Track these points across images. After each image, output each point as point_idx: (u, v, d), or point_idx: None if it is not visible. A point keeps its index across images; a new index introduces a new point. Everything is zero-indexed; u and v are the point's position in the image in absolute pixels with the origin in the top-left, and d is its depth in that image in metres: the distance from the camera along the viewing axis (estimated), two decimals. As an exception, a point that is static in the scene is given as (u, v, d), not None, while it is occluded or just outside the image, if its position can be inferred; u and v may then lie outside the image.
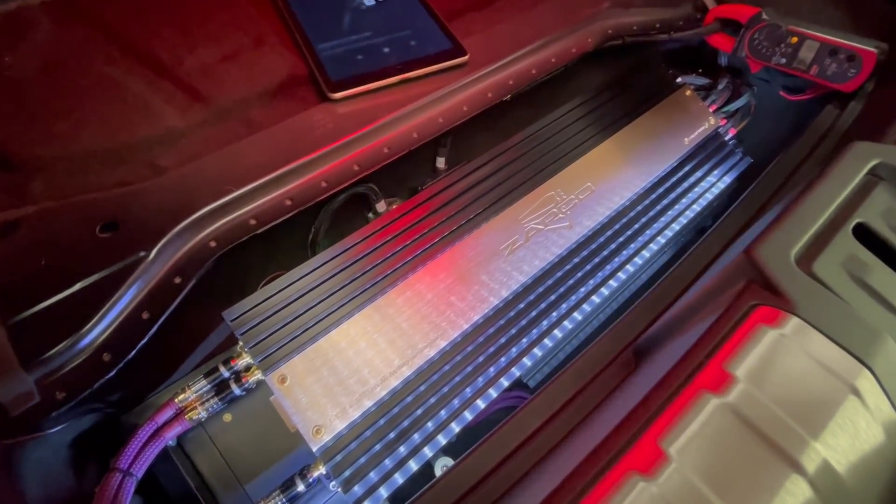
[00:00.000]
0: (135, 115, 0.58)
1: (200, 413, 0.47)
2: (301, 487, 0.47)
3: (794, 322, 0.29)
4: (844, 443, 0.26)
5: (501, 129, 0.79)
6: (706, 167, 0.72)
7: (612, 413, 0.35)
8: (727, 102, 0.81)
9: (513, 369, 0.54)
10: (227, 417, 0.54)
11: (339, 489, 0.46)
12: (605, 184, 0.66)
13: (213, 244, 0.52)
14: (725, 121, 0.78)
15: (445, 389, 0.51)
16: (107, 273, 0.47)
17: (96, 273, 0.47)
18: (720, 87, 0.81)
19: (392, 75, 0.63)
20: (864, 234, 0.36)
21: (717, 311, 0.31)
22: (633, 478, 0.24)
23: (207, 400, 0.48)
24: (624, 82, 0.76)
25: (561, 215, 0.62)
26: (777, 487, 0.24)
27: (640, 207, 0.66)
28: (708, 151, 0.73)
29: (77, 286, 0.46)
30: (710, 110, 0.77)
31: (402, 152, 0.62)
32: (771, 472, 0.25)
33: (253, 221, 0.54)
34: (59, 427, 0.45)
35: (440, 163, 0.74)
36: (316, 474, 0.47)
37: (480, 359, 0.53)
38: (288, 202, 0.56)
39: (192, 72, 0.62)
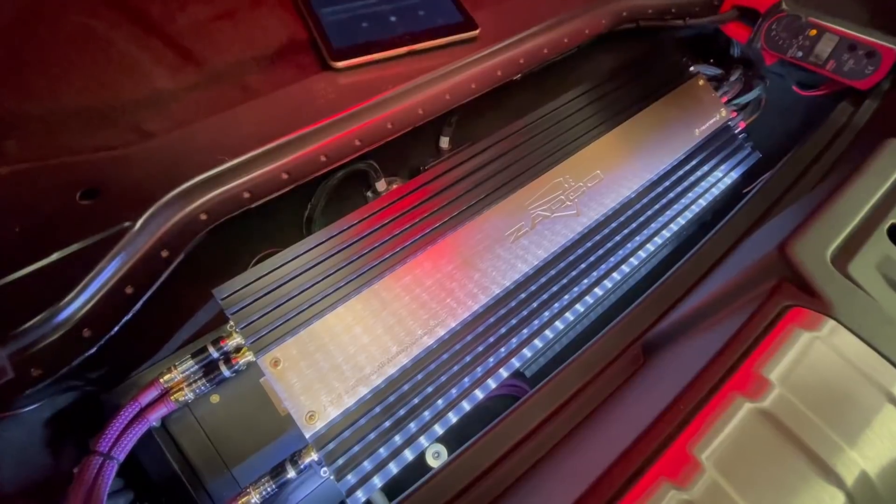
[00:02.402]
0: (120, 74, 0.53)
1: (187, 395, 0.45)
2: (292, 473, 0.45)
3: (829, 325, 0.28)
4: (881, 452, 0.25)
5: (509, 111, 0.76)
6: (715, 160, 0.71)
7: (623, 412, 0.33)
8: (738, 95, 0.79)
9: (513, 360, 0.52)
10: (215, 398, 0.52)
11: (332, 477, 0.44)
12: (614, 172, 0.64)
13: (203, 217, 0.49)
14: (736, 113, 0.77)
15: (443, 379, 0.50)
16: (88, 243, 0.44)
17: (76, 242, 0.43)
18: (732, 78, 0.79)
19: (399, 46, 0.60)
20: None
21: (746, 310, 0.29)
22: (663, 485, 0.23)
23: (195, 381, 0.45)
24: (637, 68, 0.73)
25: (568, 203, 0.60)
26: (813, 498, 0.23)
27: (648, 198, 0.64)
28: (718, 144, 0.72)
29: (55, 256, 0.42)
30: (722, 102, 0.75)
31: (406, 129, 0.59)
32: (807, 482, 0.24)
33: (247, 195, 0.51)
34: (35, 405, 0.43)
35: (444, 142, 0.71)
36: (307, 460, 0.46)
37: (480, 348, 0.52)
38: (284, 176, 0.53)
39: (183, 29, 0.58)
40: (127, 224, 0.45)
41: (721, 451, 0.24)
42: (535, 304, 0.55)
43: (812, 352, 0.27)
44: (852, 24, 0.66)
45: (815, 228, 0.31)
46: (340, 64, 0.57)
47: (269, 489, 0.44)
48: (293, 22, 0.62)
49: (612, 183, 0.63)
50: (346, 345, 0.48)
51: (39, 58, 0.52)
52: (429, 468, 0.55)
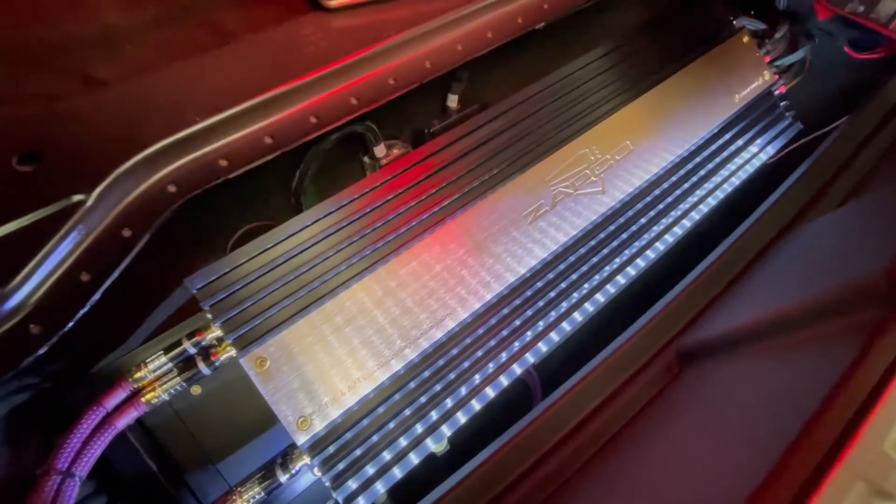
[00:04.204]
0: (59, 4, 0.43)
1: (160, 395, 0.39)
2: (283, 479, 0.41)
3: None
4: None
5: (528, 68, 0.67)
6: (753, 131, 0.63)
7: (660, 436, 0.28)
8: (782, 55, 0.70)
9: (527, 355, 0.48)
10: (197, 390, 0.47)
11: (328, 484, 0.40)
12: (645, 144, 0.56)
13: (172, 189, 0.41)
14: (778, 77, 0.69)
15: (452, 376, 0.45)
16: (30, 220, 0.36)
17: (15, 219, 0.36)
18: (778, 35, 0.70)
19: (404, -18, 0.50)
20: None
21: (837, 346, 0.24)
22: None
23: (169, 381, 0.40)
24: (674, 20, 0.64)
25: (594, 178, 0.53)
26: None
27: (678, 175, 0.58)
28: (758, 112, 0.64)
29: (-12, 235, 0.35)
30: (765, 62, 0.66)
31: (410, 85, 0.51)
32: None
33: (224, 162, 0.43)
34: (-19, 408, 0.37)
35: (452, 101, 0.62)
36: (300, 465, 0.41)
37: (492, 343, 0.47)
38: (268, 140, 0.45)
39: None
40: (79, 197, 0.38)
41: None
42: (552, 294, 0.50)
43: None
44: (931, -24, 0.57)
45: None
46: (334, 3, 0.48)
47: (256, 498, 0.40)
48: (275, -54, 0.51)
49: (641, 156, 0.56)
50: (347, 337, 0.43)
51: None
52: (432, 457, 0.52)
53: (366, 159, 0.59)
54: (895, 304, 0.25)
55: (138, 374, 0.39)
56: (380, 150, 0.56)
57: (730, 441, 0.24)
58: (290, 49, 0.46)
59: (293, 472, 0.41)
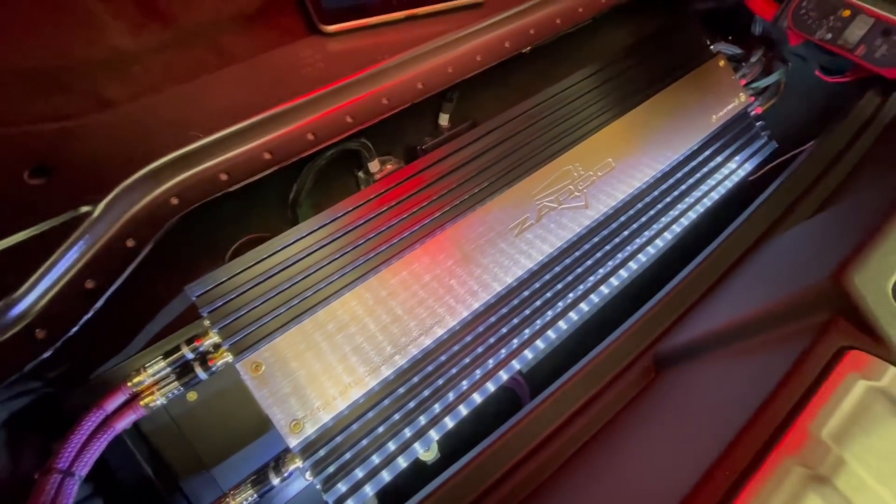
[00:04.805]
0: (73, 29, 0.46)
1: (158, 399, 0.41)
2: (275, 482, 0.42)
3: (892, 374, 0.25)
4: None
5: (515, 88, 0.70)
6: (731, 149, 0.66)
7: (636, 436, 0.30)
8: (757, 78, 0.74)
9: (513, 362, 0.49)
10: (192, 396, 0.49)
11: (319, 487, 0.42)
12: (626, 161, 0.59)
13: (174, 202, 0.43)
14: (753, 98, 0.72)
15: (440, 381, 0.47)
16: (40, 230, 0.38)
17: (26, 229, 0.38)
18: (753, 59, 0.74)
19: (397, 10, 0.53)
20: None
21: (790, 347, 0.26)
22: None
23: (167, 385, 0.41)
24: (654, 44, 0.67)
25: (577, 193, 0.56)
26: None
27: (659, 190, 0.60)
28: (735, 132, 0.67)
29: (0, 244, 0.37)
30: (741, 85, 0.70)
31: (403, 105, 0.54)
32: None
33: (224, 176, 0.46)
34: (-17, 411, 0.38)
35: (443, 119, 0.65)
36: (292, 468, 0.43)
37: (479, 350, 0.49)
38: (267, 156, 0.47)
39: (147, -22, 0.50)
40: (86, 209, 0.40)
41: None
42: (538, 303, 0.52)
43: (875, 407, 0.24)
44: (891, 6, 0.61)
45: (875, 256, 0.28)
46: (331, 28, 0.51)
47: (250, 500, 0.41)
48: (277, -25, 0.54)
49: (623, 172, 0.59)
50: (338, 344, 0.44)
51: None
52: (422, 466, 0.53)
53: (360, 174, 0.61)
54: (839, 306, 0.27)
55: (137, 379, 0.41)
56: (374, 166, 0.59)
57: (693, 437, 0.26)
58: (289, 70, 0.48)
59: (285, 475, 0.43)
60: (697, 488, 0.22)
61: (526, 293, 0.52)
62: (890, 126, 0.57)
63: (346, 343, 0.45)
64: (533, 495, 0.34)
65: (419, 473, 0.51)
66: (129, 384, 0.40)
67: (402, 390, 0.46)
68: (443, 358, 0.47)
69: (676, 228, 0.60)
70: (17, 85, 0.43)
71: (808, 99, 0.75)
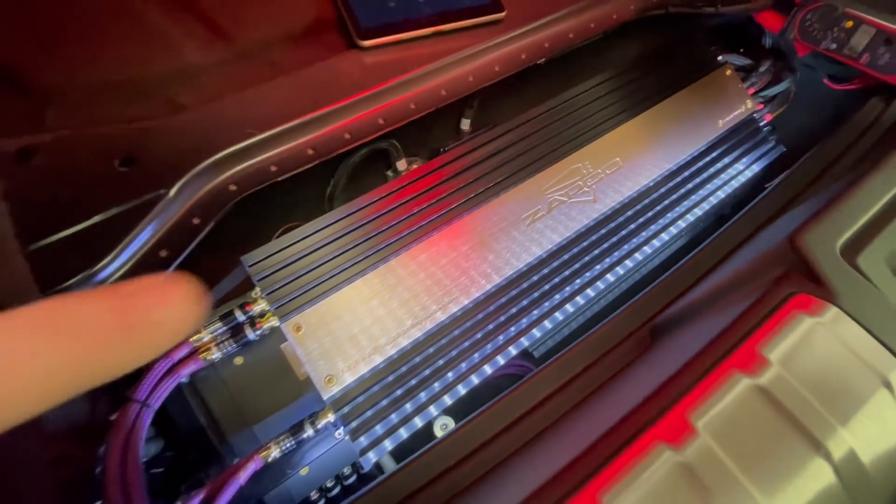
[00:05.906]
0: (153, 47, 0.55)
1: (214, 354, 0.48)
2: (310, 432, 0.48)
3: (832, 312, 0.29)
4: (872, 433, 0.26)
5: (531, 95, 0.76)
6: (737, 152, 0.70)
7: (626, 387, 0.35)
8: (766, 86, 0.77)
9: (522, 339, 0.54)
10: (239, 360, 0.55)
11: (347, 437, 0.47)
12: (633, 160, 0.64)
13: (232, 188, 0.51)
14: (762, 106, 0.75)
15: (454, 353, 0.52)
16: (126, 207, 0.47)
17: (115, 206, 0.46)
18: (762, 69, 0.78)
19: (425, 26, 0.60)
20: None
21: (752, 297, 0.30)
22: (659, 447, 0.25)
23: (222, 342, 0.48)
24: (663, 55, 0.72)
25: (586, 189, 0.61)
26: (801, 468, 0.25)
27: (665, 188, 0.65)
28: (741, 136, 0.71)
29: (95, 219, 0.45)
30: (749, 93, 0.74)
31: (428, 109, 0.60)
32: (796, 454, 0.25)
33: (274, 168, 0.53)
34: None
35: (465, 124, 0.72)
36: (324, 422, 0.49)
37: (490, 326, 0.54)
38: (310, 151, 0.55)
39: (214, 4, 0.59)
40: (162, 191, 0.48)
41: (716, 421, 0.26)
42: (546, 287, 0.56)
43: (813, 336, 0.28)
44: (891, 16, 0.64)
45: (826, 220, 0.32)
46: (367, 43, 0.58)
47: (288, 445, 0.47)
48: (321, 0, 0.63)
49: (630, 171, 0.63)
50: (362, 316, 0.50)
51: (78, 32, 0.54)
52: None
53: (389, 172, 0.68)
54: (793, 263, 0.31)
55: (198, 336, 0.48)
56: (401, 165, 0.66)
57: (662, 375, 0.30)
58: (331, 79, 0.56)
59: (318, 427, 0.49)
60: (653, 397, 0.26)
61: (535, 278, 0.57)
62: (890, 129, 0.60)
63: (369, 315, 0.51)
64: (533, 440, 0.39)
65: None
66: (192, 339, 0.48)
67: (418, 359, 0.51)
68: (457, 332, 0.53)
69: (681, 223, 0.64)
70: (109, 93, 0.52)
71: (817, 106, 0.78)
